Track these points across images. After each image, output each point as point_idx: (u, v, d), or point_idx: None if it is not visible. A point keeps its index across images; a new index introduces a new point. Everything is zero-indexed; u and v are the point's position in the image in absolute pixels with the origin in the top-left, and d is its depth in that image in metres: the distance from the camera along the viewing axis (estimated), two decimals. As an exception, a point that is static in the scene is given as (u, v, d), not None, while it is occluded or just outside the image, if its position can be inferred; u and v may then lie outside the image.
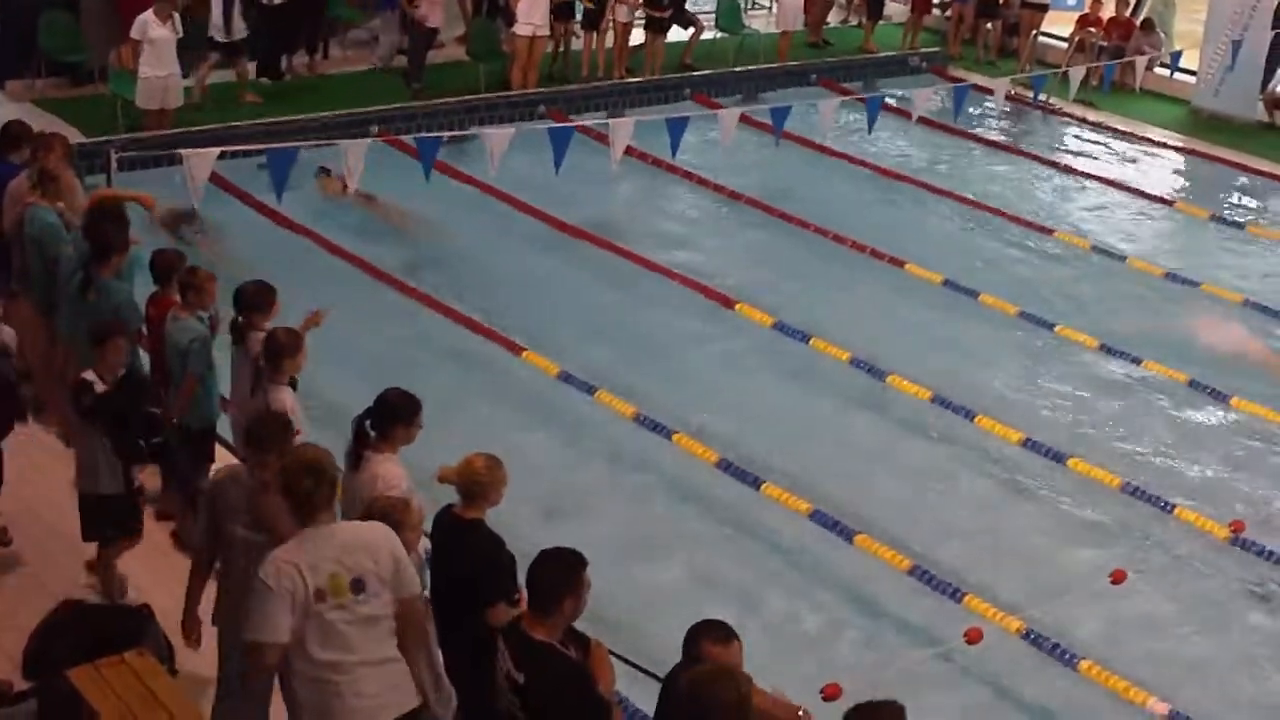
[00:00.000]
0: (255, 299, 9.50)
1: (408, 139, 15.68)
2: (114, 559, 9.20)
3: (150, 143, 16.17)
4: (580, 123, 16.88)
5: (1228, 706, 9.85)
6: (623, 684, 7.18)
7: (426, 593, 7.72)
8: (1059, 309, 15.65)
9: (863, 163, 19.47)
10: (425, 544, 7.84)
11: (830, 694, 8.30)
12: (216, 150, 13.83)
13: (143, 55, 16.91)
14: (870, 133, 18.76)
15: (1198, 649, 10.54)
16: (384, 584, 6.39)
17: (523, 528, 9.08)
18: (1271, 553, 11.10)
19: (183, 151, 13.60)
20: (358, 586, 6.34)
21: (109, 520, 9.10)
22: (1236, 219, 18.75)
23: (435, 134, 15.34)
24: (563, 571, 6.51)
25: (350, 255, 14.93)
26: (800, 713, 6.98)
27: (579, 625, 6.67)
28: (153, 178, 14.60)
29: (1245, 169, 20.80)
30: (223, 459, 9.70)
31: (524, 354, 13.17)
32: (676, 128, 15.96)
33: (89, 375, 8.92)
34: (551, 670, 6.44)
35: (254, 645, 6.31)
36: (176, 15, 17.12)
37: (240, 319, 9.50)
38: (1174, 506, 11.58)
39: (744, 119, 18.04)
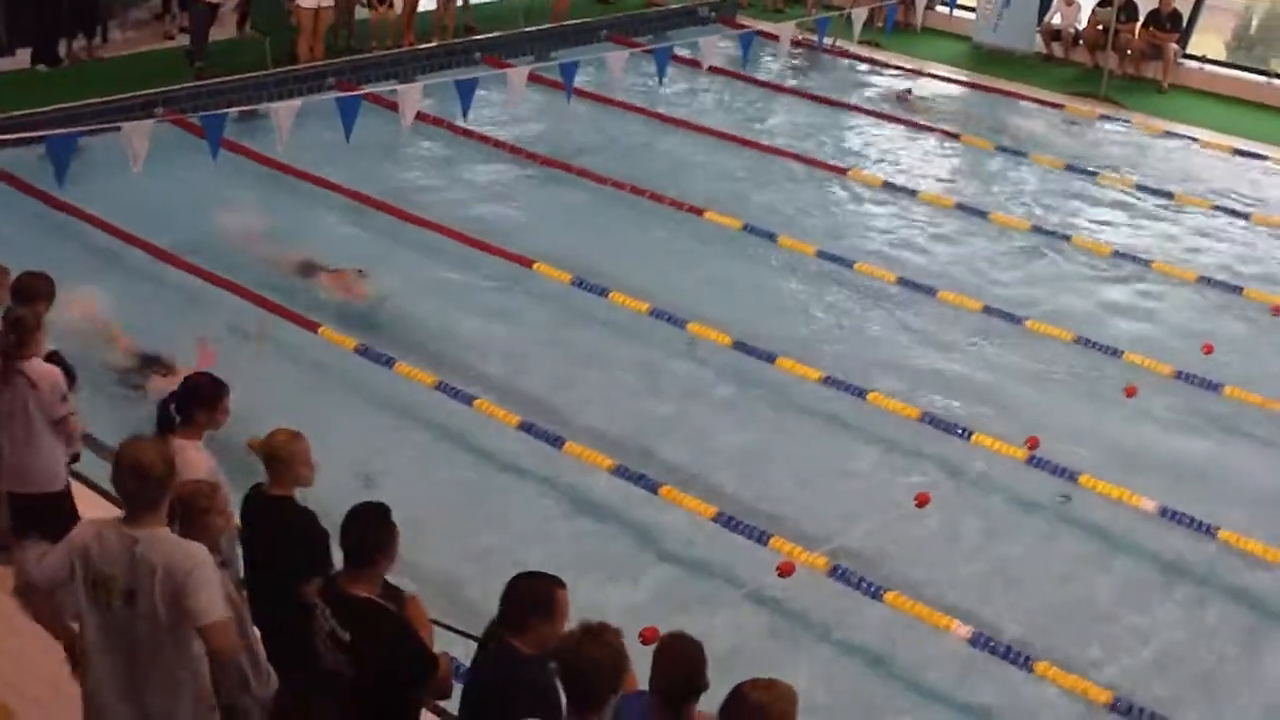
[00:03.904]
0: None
1: (193, 118, 15.42)
2: None
3: (-77, 136, 15.64)
4: (368, 90, 16.68)
5: (1030, 624, 10.16)
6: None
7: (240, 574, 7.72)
8: (856, 247, 16.02)
9: (657, 115, 19.60)
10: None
11: (648, 637, 8.41)
12: (-6, 140, 13.46)
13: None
14: (661, 84, 18.95)
15: (1000, 568, 10.87)
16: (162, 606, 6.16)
17: (339, 500, 8.99)
18: (1066, 469, 11.52)
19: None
20: (129, 598, 6.19)
21: None
22: (1020, 149, 19.29)
23: (220, 111, 15.04)
24: (375, 525, 6.56)
25: (136, 239, 14.53)
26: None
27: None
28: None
29: (1026, 99, 21.46)
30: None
31: (320, 330, 13.02)
32: (466, 90, 15.94)
33: None
34: (377, 625, 6.48)
35: None
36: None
37: None
38: (971, 432, 11.93)
39: (536, 78, 18.07)
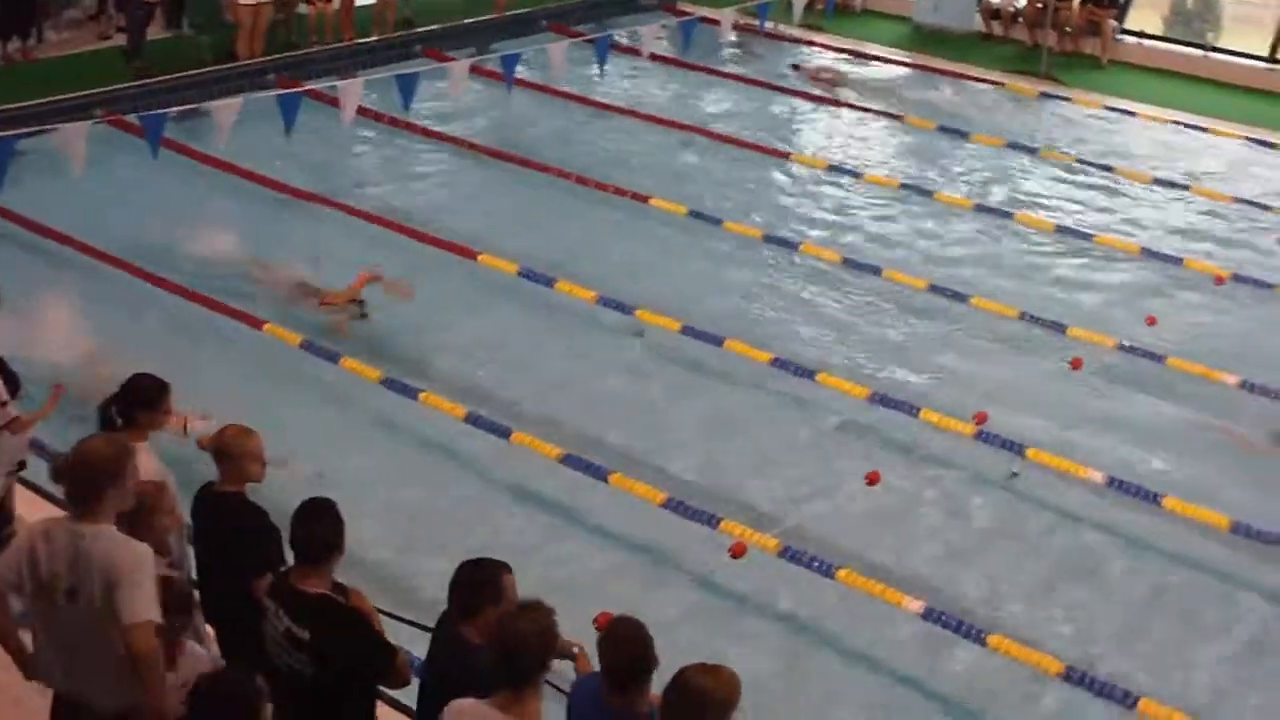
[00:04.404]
0: None
1: (132, 118, 15.32)
2: None
3: None
4: (309, 86, 16.61)
5: (983, 598, 10.28)
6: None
7: (191, 573, 7.71)
8: (801, 229, 16.11)
9: (599, 103, 19.59)
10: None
11: (603, 623, 8.43)
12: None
13: None
14: (602, 73, 18.93)
15: (951, 543, 10.96)
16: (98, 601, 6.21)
17: (291, 497, 8.96)
18: (1014, 443, 11.61)
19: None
20: (71, 595, 6.24)
21: None
22: (961, 128, 19.36)
23: (160, 111, 14.94)
24: (325, 521, 6.55)
25: (75, 241, 14.32)
26: (576, 649, 7.15)
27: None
28: None
29: (967, 78, 21.55)
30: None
31: (265, 327, 12.90)
32: (407, 84, 15.92)
33: None
34: (334, 621, 6.48)
35: None
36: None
37: None
38: (919, 409, 12.01)
39: (477, 70, 18.06)
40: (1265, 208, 17.09)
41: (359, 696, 6.72)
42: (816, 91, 20.85)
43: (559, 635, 5.87)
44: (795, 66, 21.90)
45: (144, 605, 6.11)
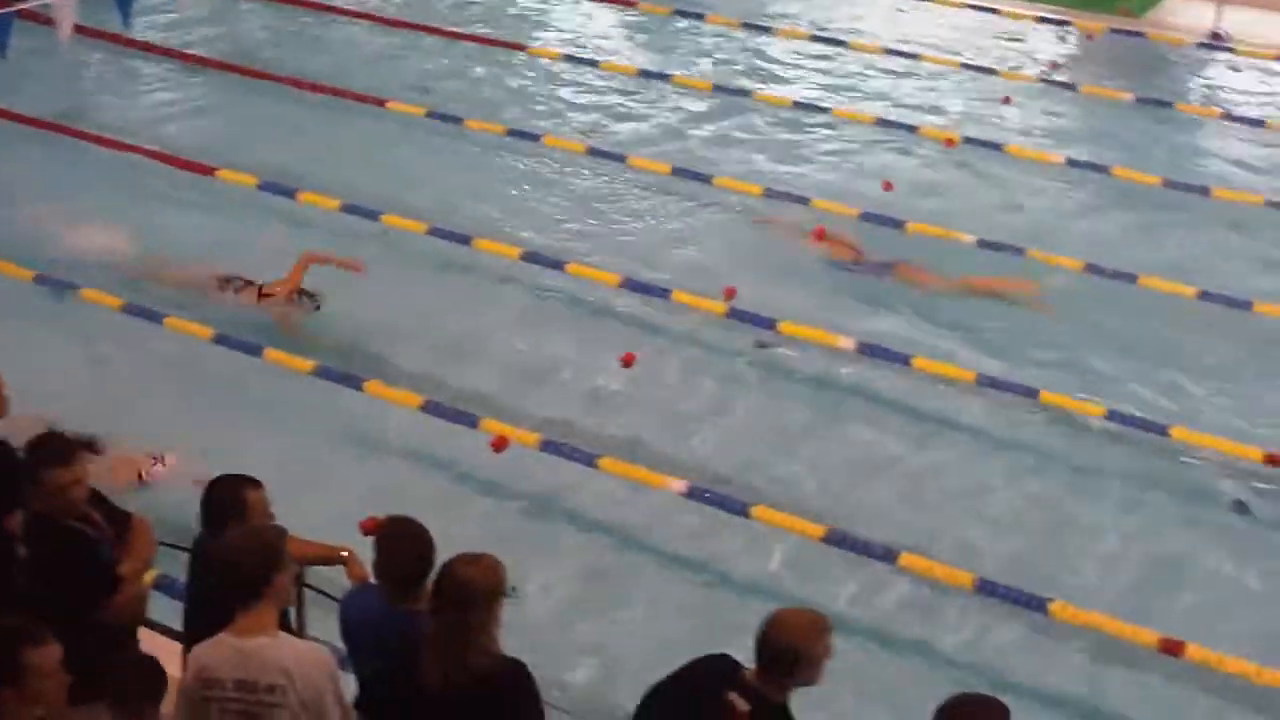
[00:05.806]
0: None
1: None
2: None
3: None
4: (19, 6, 15.87)
5: (744, 470, 10.49)
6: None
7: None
8: (542, 121, 16.02)
9: (328, 7, 19.08)
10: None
11: (368, 528, 8.38)
12: None
13: None
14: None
15: (709, 419, 11.18)
16: None
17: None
18: (764, 317, 11.82)
19: None
20: None
21: None
22: (696, 10, 19.35)
23: None
24: (48, 451, 6.48)
25: None
26: (343, 553, 7.15)
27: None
28: None
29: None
30: None
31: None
32: (124, -2, 15.38)
33: None
34: (47, 540, 6.43)
35: None
36: None
37: None
38: (670, 290, 12.16)
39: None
40: (991, 72, 17.51)
41: (96, 623, 6.57)
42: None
43: (281, 546, 5.79)
44: None
45: None
